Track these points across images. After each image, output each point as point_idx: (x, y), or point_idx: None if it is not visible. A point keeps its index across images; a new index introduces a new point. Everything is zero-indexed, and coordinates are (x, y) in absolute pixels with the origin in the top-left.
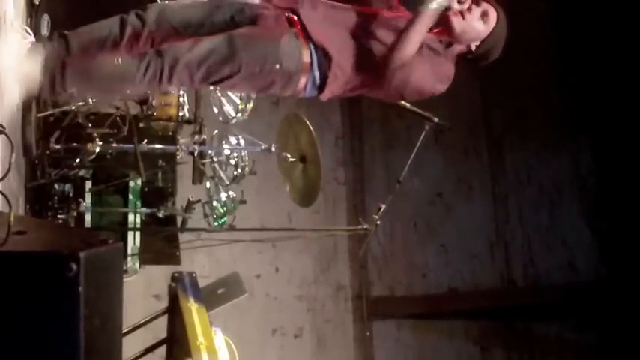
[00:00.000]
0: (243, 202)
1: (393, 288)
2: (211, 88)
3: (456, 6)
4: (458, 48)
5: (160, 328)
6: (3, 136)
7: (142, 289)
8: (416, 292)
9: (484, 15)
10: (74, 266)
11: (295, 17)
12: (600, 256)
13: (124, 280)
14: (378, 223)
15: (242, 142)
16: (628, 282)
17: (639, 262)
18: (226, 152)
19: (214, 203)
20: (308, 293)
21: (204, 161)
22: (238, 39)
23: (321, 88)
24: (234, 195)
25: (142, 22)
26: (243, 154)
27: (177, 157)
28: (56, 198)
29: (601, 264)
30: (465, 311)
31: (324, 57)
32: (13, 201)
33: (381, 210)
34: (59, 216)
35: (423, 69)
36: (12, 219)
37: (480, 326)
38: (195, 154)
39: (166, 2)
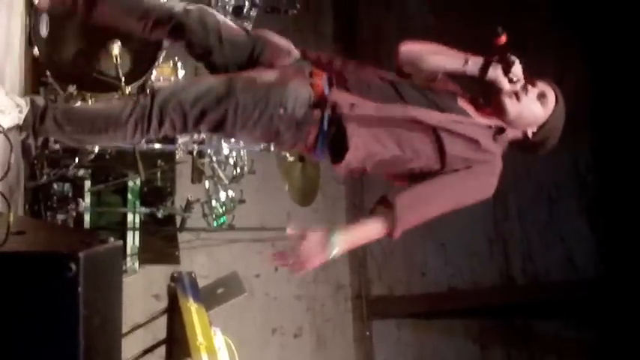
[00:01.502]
0: (242, 201)
1: (393, 287)
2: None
3: (507, 86)
4: (512, 134)
5: (159, 329)
6: (2, 136)
7: (141, 289)
8: (415, 291)
9: (541, 97)
10: (74, 266)
11: (321, 74)
12: (599, 253)
13: (123, 280)
14: None
15: (241, 141)
16: (627, 279)
17: (638, 258)
18: (225, 151)
19: (213, 203)
20: (307, 293)
21: (203, 160)
22: (240, 79)
23: (333, 154)
24: (234, 194)
25: (185, 12)
26: (242, 153)
27: (176, 157)
28: (55, 198)
29: (600, 261)
30: (464, 310)
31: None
32: (12, 201)
33: None
34: (58, 216)
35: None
36: (11, 219)
37: (480, 325)
38: (194, 154)
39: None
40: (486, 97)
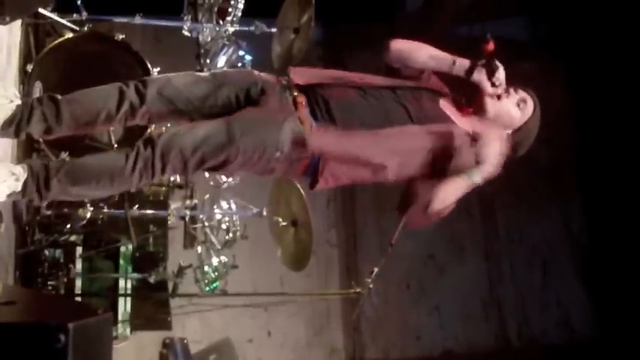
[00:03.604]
0: (234, 266)
1: (388, 351)
2: (206, 175)
3: (489, 89)
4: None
5: None
6: None
7: (132, 356)
8: (410, 354)
9: (522, 102)
10: (63, 337)
11: (303, 101)
12: (595, 314)
13: (115, 346)
14: (371, 286)
15: (233, 206)
16: (623, 339)
17: (634, 318)
18: (218, 217)
19: (206, 268)
20: (301, 357)
21: (195, 226)
22: (237, 124)
23: (313, 178)
24: (226, 259)
25: (140, 99)
26: (234, 218)
27: (169, 222)
28: (46, 264)
29: (596, 321)
30: None
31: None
32: (3, 268)
33: (374, 273)
34: (49, 282)
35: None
36: (0, 290)
37: None
38: (187, 219)
39: (168, 77)
40: (469, 96)
